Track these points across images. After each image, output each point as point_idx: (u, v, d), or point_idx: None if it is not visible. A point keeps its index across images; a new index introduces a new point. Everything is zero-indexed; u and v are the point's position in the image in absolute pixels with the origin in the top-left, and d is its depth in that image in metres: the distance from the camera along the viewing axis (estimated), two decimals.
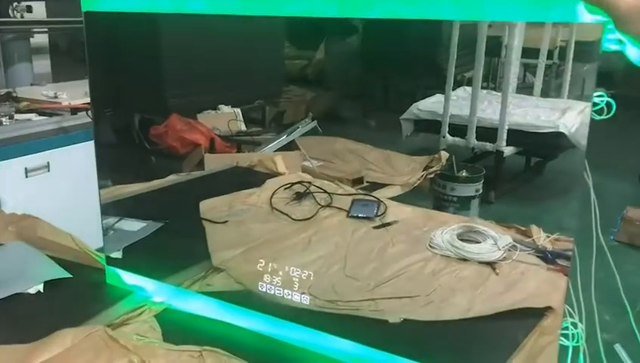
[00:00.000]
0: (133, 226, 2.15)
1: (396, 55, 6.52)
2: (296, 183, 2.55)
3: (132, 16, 1.88)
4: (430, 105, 4.98)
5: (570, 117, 4.56)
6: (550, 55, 5.35)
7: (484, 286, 1.79)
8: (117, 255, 1.94)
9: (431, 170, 3.70)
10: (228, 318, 1.60)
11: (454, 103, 4.76)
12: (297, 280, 1.56)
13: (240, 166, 2.94)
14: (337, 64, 7.65)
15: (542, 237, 2.11)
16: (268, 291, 1.61)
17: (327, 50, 7.72)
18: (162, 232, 2.09)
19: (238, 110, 4.43)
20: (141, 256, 1.92)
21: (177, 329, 1.58)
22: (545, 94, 5.46)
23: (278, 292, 1.59)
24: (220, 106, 4.40)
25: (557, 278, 1.91)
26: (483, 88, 4.80)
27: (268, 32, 5.00)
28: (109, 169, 2.66)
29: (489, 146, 4.54)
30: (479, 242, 2.03)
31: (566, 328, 1.53)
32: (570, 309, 1.55)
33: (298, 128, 3.83)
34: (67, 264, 1.89)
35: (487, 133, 4.60)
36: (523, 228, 2.20)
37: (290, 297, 1.60)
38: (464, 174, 4.14)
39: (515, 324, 1.67)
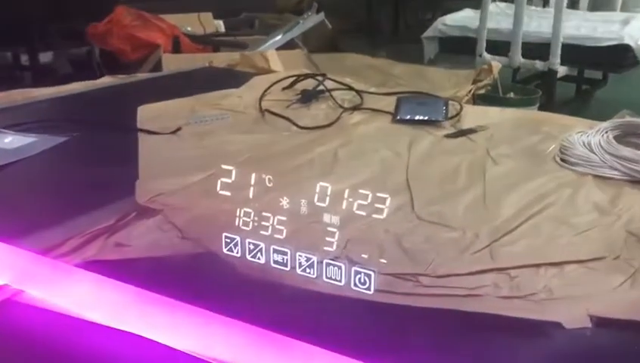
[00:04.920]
0: (13, 142, 1.14)
1: None
2: (301, 77, 1.52)
3: None
4: (459, 19, 3.85)
5: (635, 28, 3.52)
6: None
7: None
8: None
9: (481, 84, 2.68)
10: (153, 331, 0.60)
11: (488, 17, 3.70)
12: (329, 220, 0.56)
13: (214, 67, 1.89)
14: None
15: None
16: (250, 256, 0.61)
17: None
18: (57, 152, 1.08)
19: (220, 22, 3.35)
20: None
21: (22, 352, 0.59)
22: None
23: (280, 257, 0.59)
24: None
25: None
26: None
27: None
28: None
29: (539, 64, 3.50)
30: None
31: None
32: None
33: (299, 22, 2.75)
34: None
35: (533, 50, 3.56)
36: None
37: (305, 271, 0.60)
38: (512, 96, 3.12)
39: None
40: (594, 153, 0.99)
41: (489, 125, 1.22)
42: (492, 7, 3.81)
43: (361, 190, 0.53)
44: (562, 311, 0.61)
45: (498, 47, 3.42)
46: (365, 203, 0.53)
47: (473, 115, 1.29)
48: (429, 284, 0.67)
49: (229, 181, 0.57)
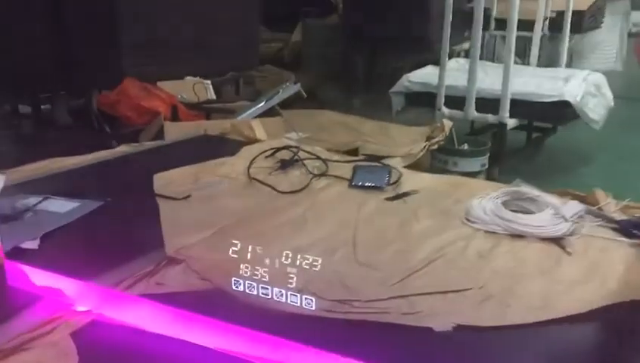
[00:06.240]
0: (61, 207, 1.53)
1: (381, 30, 5.84)
2: (280, 148, 1.94)
3: None
4: (422, 76, 4.34)
5: (574, 85, 4.01)
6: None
7: (558, 272, 1.22)
8: (32, 245, 1.32)
9: (434, 141, 3.12)
10: (187, 335, 1.00)
11: (447, 74, 4.17)
12: (290, 270, 0.96)
13: (209, 135, 2.31)
14: (315, 45, 6.95)
15: (611, 205, 1.54)
16: (248, 290, 1.01)
17: (304, 31, 6.99)
18: (99, 214, 1.47)
19: (208, 83, 3.80)
20: (63, 247, 1.30)
21: (106, 354, 0.98)
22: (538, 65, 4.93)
23: (264, 291, 0.99)
24: (187, 78, 3.75)
25: None
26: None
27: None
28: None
29: (490, 118, 3.97)
30: (532, 212, 1.46)
31: None
32: None
33: (278, 92, 3.22)
34: None
35: (487, 104, 4.03)
36: (582, 194, 1.63)
37: (281, 298, 1.00)
38: (466, 147, 3.57)
39: (615, 327, 1.09)
40: (486, 214, 1.42)
41: (420, 189, 1.65)
42: (452, 64, 4.31)
43: (313, 256, 0.93)
44: (435, 320, 1.02)
45: (455, 101, 3.88)
46: (317, 263, 0.94)
47: (411, 180, 1.71)
48: (359, 306, 1.07)
49: (237, 248, 0.98)
